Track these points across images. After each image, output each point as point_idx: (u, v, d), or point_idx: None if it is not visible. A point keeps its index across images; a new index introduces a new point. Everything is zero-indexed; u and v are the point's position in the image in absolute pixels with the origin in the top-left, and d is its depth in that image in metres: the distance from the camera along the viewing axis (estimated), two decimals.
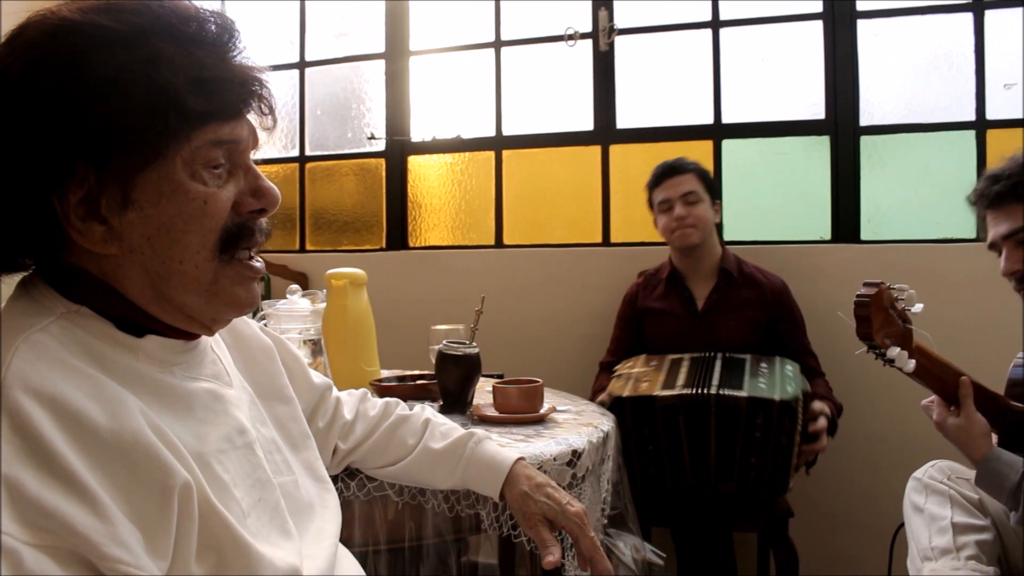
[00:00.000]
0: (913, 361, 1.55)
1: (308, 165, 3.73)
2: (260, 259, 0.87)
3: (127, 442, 0.69)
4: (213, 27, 0.79)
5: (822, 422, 2.29)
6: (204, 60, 0.77)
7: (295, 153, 3.76)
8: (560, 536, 1.23)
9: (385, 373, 2.08)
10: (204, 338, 0.90)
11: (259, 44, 3.86)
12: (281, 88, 3.79)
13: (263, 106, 0.84)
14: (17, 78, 0.73)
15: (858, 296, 1.53)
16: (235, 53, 0.80)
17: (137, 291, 0.79)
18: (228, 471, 0.82)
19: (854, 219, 2.90)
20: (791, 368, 2.28)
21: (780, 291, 2.61)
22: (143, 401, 0.75)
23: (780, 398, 2.09)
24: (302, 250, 3.72)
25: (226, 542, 0.76)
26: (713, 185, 2.65)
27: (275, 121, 0.86)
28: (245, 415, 0.91)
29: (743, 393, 2.12)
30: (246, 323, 1.08)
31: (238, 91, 0.80)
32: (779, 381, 2.18)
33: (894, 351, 1.53)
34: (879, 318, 1.52)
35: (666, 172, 2.63)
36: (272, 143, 3.78)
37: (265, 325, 1.69)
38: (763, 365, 2.29)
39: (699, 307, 2.61)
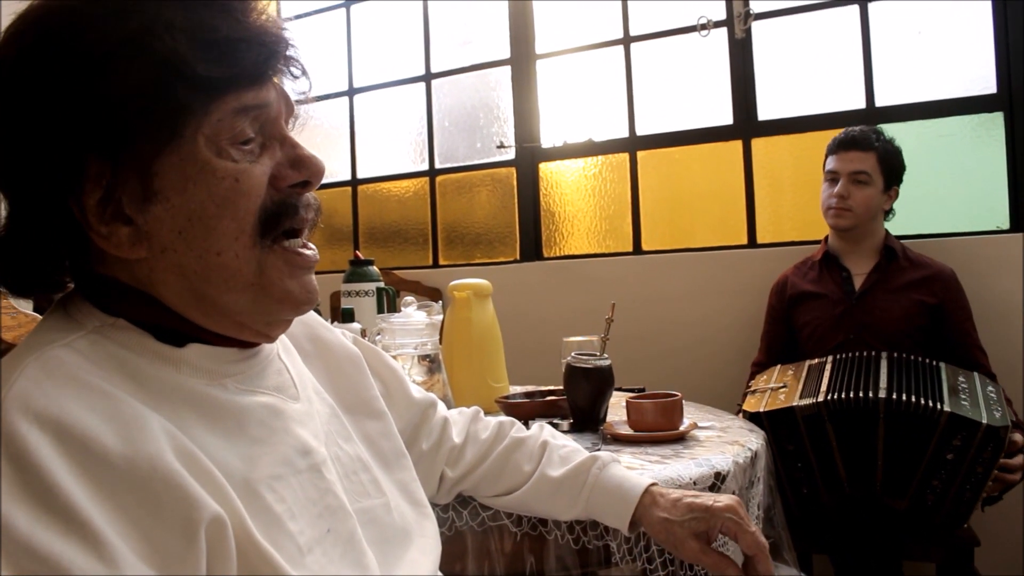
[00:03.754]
0: None
1: (438, 178, 3.69)
2: (313, 247, 0.76)
3: (143, 469, 0.59)
4: None
5: (1019, 458, 2.01)
6: (213, 21, 0.67)
7: (424, 167, 3.72)
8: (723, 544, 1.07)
9: (516, 389, 1.96)
10: (269, 346, 0.80)
11: (385, 59, 3.86)
12: (408, 102, 3.78)
13: (292, 68, 0.73)
14: (8, 74, 0.66)
15: None
16: (251, 13, 0.70)
17: (175, 297, 0.71)
18: (283, 500, 0.71)
19: None
20: (993, 389, 2.00)
21: (950, 276, 2.36)
22: (182, 419, 0.66)
23: (988, 423, 1.81)
24: (435, 265, 3.68)
25: None
26: (895, 170, 2.41)
27: (311, 84, 0.76)
28: (314, 432, 0.80)
29: (945, 407, 1.85)
30: (330, 330, 0.98)
31: (257, 51, 0.69)
32: (983, 402, 1.90)
33: None
34: None
35: (845, 143, 2.42)
36: (401, 158, 3.78)
37: (380, 339, 1.61)
38: (962, 379, 2.01)
39: (856, 287, 2.38)
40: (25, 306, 1.20)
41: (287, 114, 0.75)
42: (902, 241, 2.54)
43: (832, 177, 2.42)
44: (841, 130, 2.47)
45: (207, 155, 0.68)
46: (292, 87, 0.75)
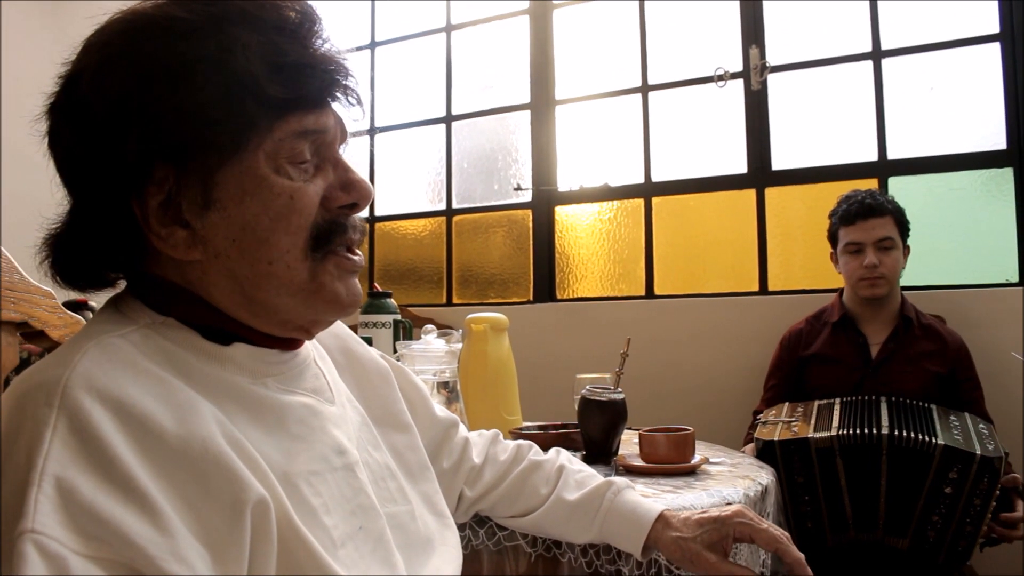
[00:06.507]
0: None
1: (455, 218, 3.75)
2: (358, 252, 0.80)
3: (195, 450, 0.63)
4: (293, 14, 0.74)
5: (1020, 509, 2.03)
6: (283, 46, 0.72)
7: (442, 207, 3.78)
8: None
9: (529, 425, 1.99)
10: (306, 351, 0.84)
11: (406, 100, 3.94)
12: (428, 142, 3.86)
13: (349, 97, 0.78)
14: (89, 80, 0.70)
15: None
16: (317, 40, 0.75)
17: (225, 298, 0.74)
18: (319, 495, 0.74)
19: None
20: (985, 427, 2.03)
21: (961, 346, 2.38)
22: (227, 412, 0.69)
23: (982, 453, 1.85)
24: (449, 304, 3.71)
25: (310, 572, 0.68)
26: (907, 228, 2.41)
27: (364, 114, 0.80)
28: (348, 435, 0.83)
29: (939, 440, 1.89)
30: (361, 344, 1.02)
31: (321, 78, 0.74)
32: (976, 437, 1.94)
33: None
34: None
35: (863, 212, 2.37)
36: (419, 197, 3.84)
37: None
38: (953, 418, 2.05)
39: (873, 355, 2.38)
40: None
41: (341, 139, 0.80)
42: (914, 292, 2.57)
43: (856, 248, 2.38)
44: (842, 198, 2.46)
45: (266, 171, 0.72)
46: (347, 114, 0.79)
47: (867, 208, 2.38)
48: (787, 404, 2.27)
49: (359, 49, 4.04)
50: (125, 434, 0.60)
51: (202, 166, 0.71)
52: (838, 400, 2.15)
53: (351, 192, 0.78)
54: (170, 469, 0.61)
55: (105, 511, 0.56)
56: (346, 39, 0.77)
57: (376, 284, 2.52)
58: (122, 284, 0.79)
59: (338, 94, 0.77)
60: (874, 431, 1.95)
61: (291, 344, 0.81)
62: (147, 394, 0.63)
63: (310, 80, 0.73)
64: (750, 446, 2.23)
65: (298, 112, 0.73)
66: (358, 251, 0.80)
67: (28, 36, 3.48)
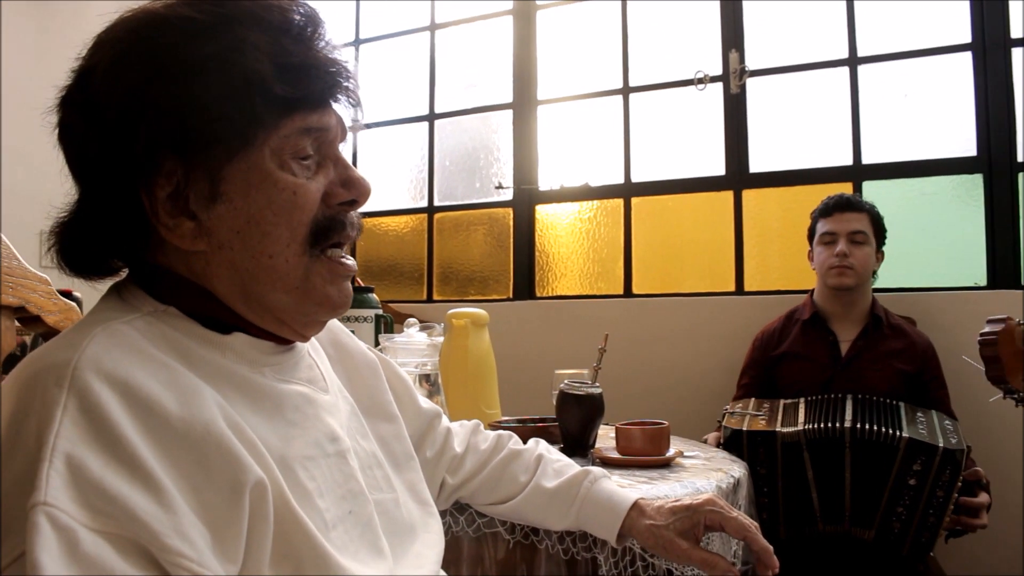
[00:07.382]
0: None
1: (436, 216, 3.77)
2: (351, 258, 0.84)
3: (198, 433, 0.66)
4: (297, 16, 0.77)
5: (984, 497, 2.09)
6: (289, 47, 0.75)
7: (423, 204, 3.81)
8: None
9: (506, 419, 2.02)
10: (301, 343, 0.87)
11: (390, 98, 3.96)
12: (411, 140, 3.88)
13: (350, 98, 0.81)
14: (103, 75, 0.73)
15: (982, 335, 1.39)
16: (320, 43, 0.78)
17: (226, 290, 0.78)
18: (314, 479, 0.77)
19: (1013, 263, 2.68)
20: (950, 423, 2.09)
21: (928, 346, 2.44)
22: (227, 397, 0.72)
23: (945, 446, 1.92)
24: (429, 300, 3.74)
25: (304, 552, 0.71)
26: (882, 232, 2.50)
27: (363, 115, 0.84)
28: (340, 423, 0.87)
29: (904, 433, 1.96)
30: (351, 337, 1.05)
31: (324, 78, 0.78)
32: (940, 431, 2.01)
33: None
34: (1011, 357, 1.37)
35: (840, 205, 2.48)
36: (401, 194, 3.86)
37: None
38: (919, 414, 2.11)
39: (843, 353, 2.44)
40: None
41: (341, 138, 0.83)
42: (886, 294, 2.63)
43: (830, 240, 2.46)
44: (825, 198, 2.53)
45: (271, 167, 0.75)
46: (346, 115, 0.83)
47: (845, 202, 2.48)
48: (753, 400, 2.32)
49: (343, 46, 4.04)
50: (132, 416, 0.63)
51: (210, 160, 0.74)
52: (803, 399, 2.21)
53: (351, 189, 0.82)
54: (174, 450, 0.64)
55: (112, 488, 0.59)
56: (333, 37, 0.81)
57: (358, 279, 2.54)
58: (122, 273, 0.81)
59: (339, 95, 0.80)
60: (837, 425, 2.01)
61: (286, 339, 0.84)
62: (152, 378, 0.66)
63: (314, 80, 0.77)
64: (712, 435, 2.28)
65: (302, 111, 0.76)
66: (350, 256, 0.84)
67: (18, 34, 3.47)
